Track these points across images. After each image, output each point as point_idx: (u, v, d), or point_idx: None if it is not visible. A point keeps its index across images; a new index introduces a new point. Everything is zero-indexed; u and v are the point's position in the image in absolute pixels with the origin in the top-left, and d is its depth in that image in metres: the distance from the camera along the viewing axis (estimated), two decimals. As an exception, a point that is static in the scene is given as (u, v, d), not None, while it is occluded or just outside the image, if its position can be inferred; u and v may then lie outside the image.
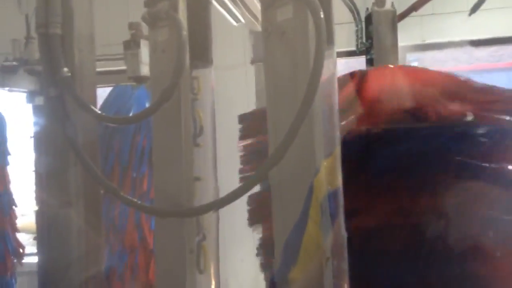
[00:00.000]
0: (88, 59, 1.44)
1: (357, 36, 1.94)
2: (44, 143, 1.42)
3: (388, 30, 1.69)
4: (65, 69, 1.33)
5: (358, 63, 2.32)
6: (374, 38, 1.71)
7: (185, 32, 1.31)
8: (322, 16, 1.09)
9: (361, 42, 1.89)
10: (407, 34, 2.81)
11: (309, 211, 1.15)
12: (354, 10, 1.99)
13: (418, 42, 3.86)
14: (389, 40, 1.69)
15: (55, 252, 1.45)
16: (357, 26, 1.95)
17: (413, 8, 2.09)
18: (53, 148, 1.38)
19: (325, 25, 1.10)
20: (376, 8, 1.72)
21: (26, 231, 4.00)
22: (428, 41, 3.88)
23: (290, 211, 1.18)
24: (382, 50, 1.69)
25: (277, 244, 1.20)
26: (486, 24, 3.55)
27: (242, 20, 3.08)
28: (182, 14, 1.38)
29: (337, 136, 1.23)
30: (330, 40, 1.18)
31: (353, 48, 2.08)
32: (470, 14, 2.24)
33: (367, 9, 1.81)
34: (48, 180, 1.44)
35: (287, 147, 1.10)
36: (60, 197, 1.37)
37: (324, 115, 1.18)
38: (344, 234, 1.23)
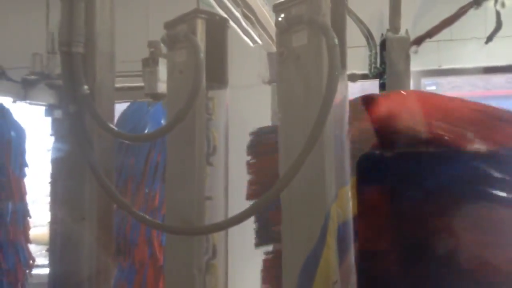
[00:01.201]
0: (107, 77, 1.48)
1: (370, 60, 1.98)
2: (61, 158, 1.45)
3: (401, 56, 1.76)
4: (85, 87, 1.37)
5: (374, 85, 2.35)
6: (387, 63, 1.78)
7: (202, 54, 1.35)
8: (336, 43, 1.12)
9: (375, 67, 1.93)
10: (424, 59, 2.81)
11: (326, 238, 1.17)
12: (368, 35, 2.03)
13: (435, 67, 3.86)
14: (402, 66, 1.75)
15: (67, 266, 1.47)
16: (370, 51, 2.00)
17: (428, 35, 2.13)
18: (69, 163, 1.41)
19: (339, 51, 1.13)
20: (390, 35, 1.79)
21: (37, 242, 4.04)
22: (444, 66, 3.87)
23: (302, 235, 1.19)
24: (395, 76, 1.75)
25: (285, 268, 1.21)
26: (503, 51, 3.54)
27: (259, 41, 3.13)
28: (201, 37, 1.42)
29: (349, 164, 1.25)
30: (342, 65, 1.20)
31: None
32: (486, 42, 2.25)
33: (382, 34, 1.85)
34: (63, 194, 1.47)
35: (298, 169, 1.11)
36: (74, 211, 1.40)
37: (336, 139, 1.20)
38: (353, 260, 1.24)
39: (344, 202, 1.21)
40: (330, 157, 1.17)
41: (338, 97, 1.16)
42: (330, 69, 1.10)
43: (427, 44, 3.57)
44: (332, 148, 1.18)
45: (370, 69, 1.95)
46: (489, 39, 2.29)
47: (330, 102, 1.09)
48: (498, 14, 2.25)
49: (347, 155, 1.24)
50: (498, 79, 6.91)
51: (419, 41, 2.10)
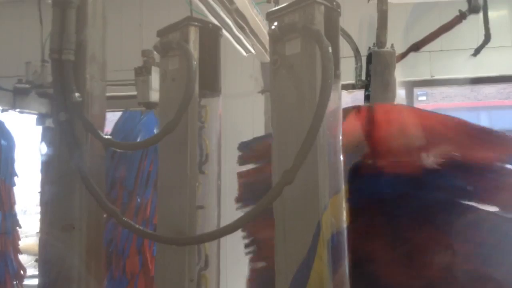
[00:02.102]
0: (99, 85, 1.47)
1: (356, 72, 2.02)
2: (52, 166, 1.43)
3: (386, 70, 1.78)
4: (77, 94, 1.35)
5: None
6: (372, 76, 1.80)
7: (195, 62, 1.34)
8: (330, 51, 1.12)
9: (359, 80, 1.96)
10: (416, 70, 2.83)
11: (317, 249, 1.15)
12: (355, 48, 2.08)
13: (427, 77, 3.89)
14: (386, 80, 1.77)
15: (56, 275, 1.45)
16: (357, 63, 2.03)
17: (414, 47, 2.16)
18: (59, 171, 1.39)
19: (332, 60, 1.12)
20: (375, 49, 1.82)
21: (28, 252, 3.98)
22: (436, 76, 3.90)
23: (294, 245, 1.18)
24: (379, 89, 1.77)
25: (278, 280, 1.19)
26: (495, 62, 3.58)
27: (252, 51, 3.13)
28: (193, 45, 1.41)
29: (342, 172, 1.24)
30: (336, 74, 1.20)
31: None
32: (474, 55, 2.29)
33: (369, 47, 1.88)
34: (53, 203, 1.45)
35: (291, 178, 1.10)
36: (64, 220, 1.38)
37: (329, 147, 1.19)
38: (346, 271, 1.22)
39: (337, 211, 1.19)
40: (324, 165, 1.16)
41: (331, 106, 1.16)
42: (323, 78, 1.09)
43: (419, 54, 3.60)
44: (326, 156, 1.17)
45: (356, 81, 1.99)
46: (477, 51, 2.32)
47: (323, 111, 1.08)
48: (487, 27, 2.27)
49: (340, 163, 1.23)
50: (490, 90, 6.97)
51: (405, 54, 2.14)
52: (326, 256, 1.15)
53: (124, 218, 1.28)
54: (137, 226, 1.34)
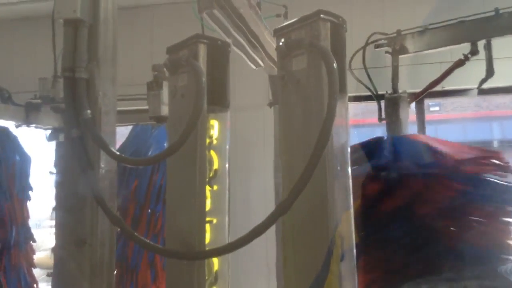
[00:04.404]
0: (110, 102, 1.49)
1: (379, 110, 2.55)
2: (65, 181, 1.45)
3: (399, 110, 2.38)
4: (88, 111, 1.38)
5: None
6: (386, 116, 2.40)
7: (204, 79, 1.36)
8: (335, 67, 1.13)
9: (380, 117, 2.52)
10: (427, 81, 2.86)
11: (330, 265, 1.15)
12: (374, 92, 2.58)
13: (438, 88, 3.87)
14: (399, 118, 2.36)
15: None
16: (378, 104, 2.56)
17: (425, 90, 2.68)
18: (71, 186, 1.41)
19: (338, 74, 1.13)
20: (389, 96, 2.43)
21: (41, 266, 4.01)
22: (447, 87, 3.88)
23: (306, 261, 1.18)
24: (393, 125, 2.37)
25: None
26: (507, 72, 3.55)
27: (261, 64, 3.16)
28: (202, 61, 1.43)
29: (351, 188, 1.24)
30: (342, 89, 1.21)
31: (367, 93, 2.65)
32: (478, 88, 2.52)
33: (386, 92, 2.45)
34: (65, 218, 1.47)
35: (299, 192, 1.11)
36: (76, 235, 1.39)
37: (338, 162, 1.19)
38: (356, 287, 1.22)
39: (347, 227, 1.19)
40: (333, 181, 1.17)
41: (338, 121, 1.17)
42: (330, 93, 1.10)
43: (430, 66, 3.59)
44: (335, 171, 1.17)
45: (379, 118, 2.53)
46: (480, 85, 2.55)
47: (330, 126, 1.09)
48: (490, 62, 2.48)
49: (349, 179, 1.23)
50: (502, 100, 6.90)
51: (415, 98, 2.64)
52: (338, 272, 1.15)
53: (135, 233, 1.29)
54: (148, 241, 1.35)
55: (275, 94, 3.66)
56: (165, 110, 3.09)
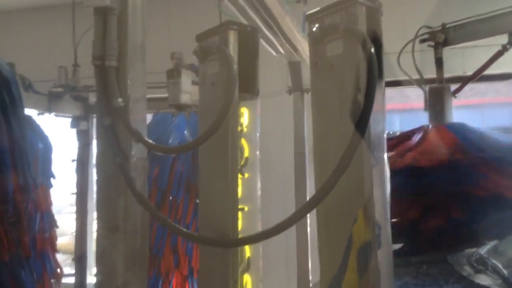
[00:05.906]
0: (140, 90, 1.49)
1: (425, 100, 2.67)
2: (97, 169, 1.46)
3: (442, 101, 2.57)
4: (119, 99, 1.38)
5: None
6: (430, 105, 2.58)
7: (235, 66, 1.35)
8: (373, 52, 1.11)
9: (425, 108, 2.64)
10: (449, 66, 2.87)
11: (349, 260, 1.15)
12: (421, 86, 2.74)
13: (459, 73, 3.82)
14: (442, 108, 2.56)
15: (100, 276, 1.48)
16: (425, 95, 2.66)
17: (468, 80, 2.84)
18: (105, 173, 1.42)
19: (376, 61, 1.11)
20: (433, 86, 2.63)
21: (63, 251, 4.09)
22: (469, 73, 3.82)
23: (337, 247, 1.18)
24: (436, 115, 2.56)
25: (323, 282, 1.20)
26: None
27: (282, 51, 3.13)
28: (233, 48, 1.42)
29: (388, 176, 1.23)
30: (380, 75, 1.19)
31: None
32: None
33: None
34: (97, 205, 1.48)
35: (334, 183, 1.10)
36: (109, 221, 1.41)
37: (374, 149, 1.18)
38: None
39: (383, 214, 1.18)
40: (369, 171, 1.16)
41: (375, 106, 1.15)
42: (368, 80, 1.09)
43: (451, 51, 3.54)
44: (370, 161, 1.16)
45: (425, 107, 2.64)
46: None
47: (368, 114, 1.08)
48: None
49: (385, 165, 1.22)
50: (522, 84, 6.77)
51: (459, 90, 2.71)
52: (356, 267, 1.15)
53: (169, 220, 1.30)
54: (183, 229, 1.36)
55: (294, 81, 3.64)
56: (184, 98, 3.09)
